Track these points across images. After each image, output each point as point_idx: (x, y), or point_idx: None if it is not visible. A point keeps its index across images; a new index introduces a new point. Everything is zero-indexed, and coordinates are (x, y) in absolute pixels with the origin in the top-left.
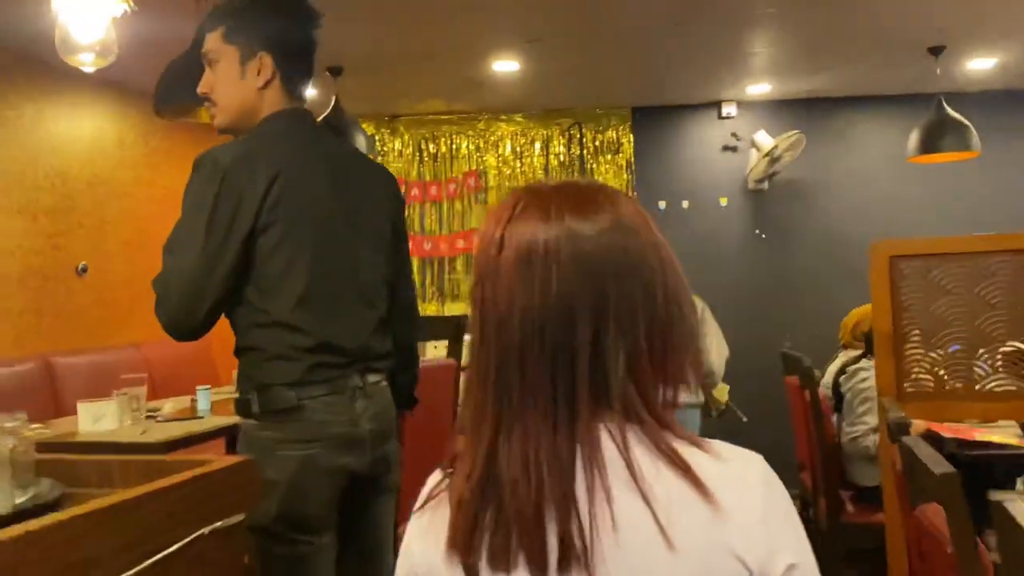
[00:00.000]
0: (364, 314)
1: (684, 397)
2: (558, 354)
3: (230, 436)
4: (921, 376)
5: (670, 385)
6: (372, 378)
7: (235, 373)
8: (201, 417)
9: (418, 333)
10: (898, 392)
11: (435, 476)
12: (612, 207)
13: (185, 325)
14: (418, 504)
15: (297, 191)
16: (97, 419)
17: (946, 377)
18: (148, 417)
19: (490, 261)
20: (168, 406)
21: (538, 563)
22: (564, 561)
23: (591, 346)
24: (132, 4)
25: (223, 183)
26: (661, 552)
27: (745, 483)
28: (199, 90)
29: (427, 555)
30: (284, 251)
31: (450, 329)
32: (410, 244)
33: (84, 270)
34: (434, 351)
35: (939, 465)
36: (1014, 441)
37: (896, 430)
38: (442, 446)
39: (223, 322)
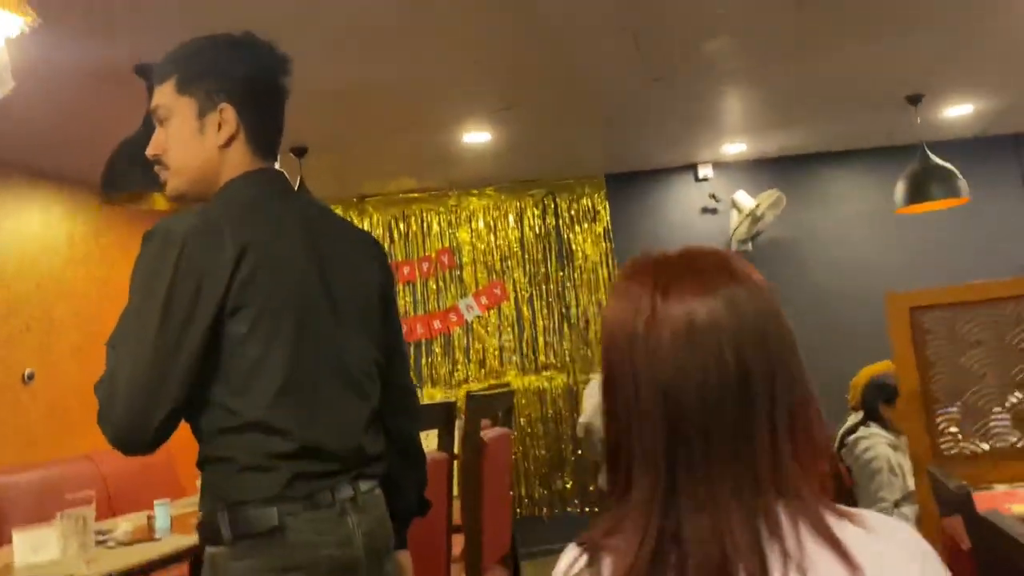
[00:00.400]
0: (355, 408)
1: None
2: (738, 426)
3: (195, 559)
4: (956, 437)
5: (818, 455)
6: (364, 485)
7: (200, 482)
8: (159, 538)
9: (418, 423)
10: (934, 456)
11: (571, 552)
12: (751, 272)
13: (136, 437)
14: None
15: (271, 266)
16: (36, 549)
17: (987, 437)
18: (99, 541)
19: (639, 336)
20: (122, 526)
21: None
22: None
23: (768, 415)
24: (33, 21)
25: (180, 258)
26: None
27: (896, 556)
28: (148, 152)
29: None
30: (258, 338)
31: (439, 417)
32: (404, 341)
33: (31, 377)
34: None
35: None
36: None
37: (958, 503)
38: (438, 551)
39: (185, 424)
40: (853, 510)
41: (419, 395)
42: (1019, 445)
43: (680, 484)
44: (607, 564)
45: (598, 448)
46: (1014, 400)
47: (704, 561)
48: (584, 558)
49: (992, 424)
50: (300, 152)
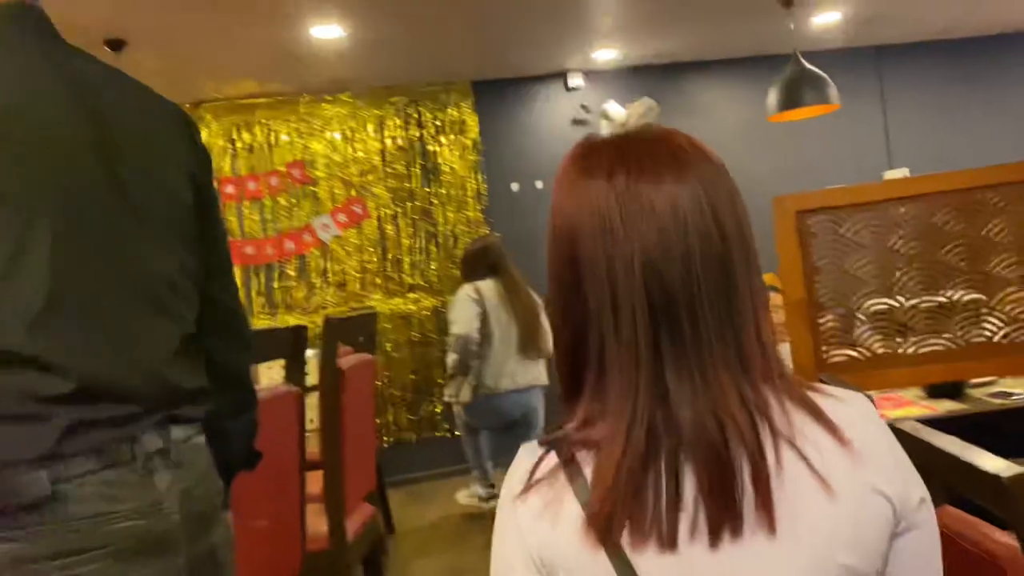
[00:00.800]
0: (158, 331)
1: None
2: (724, 305)
3: None
4: (841, 345)
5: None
6: (180, 432)
7: None
8: None
9: (247, 353)
10: (817, 365)
11: (531, 452)
12: (712, 150)
13: None
14: (520, 485)
15: (18, 133)
16: None
17: (869, 343)
18: None
19: (615, 220)
20: None
21: (719, 518)
22: (736, 517)
23: (750, 293)
24: None
25: None
26: (822, 500)
27: (866, 421)
28: None
29: (551, 540)
30: (4, 238)
31: (285, 345)
32: (230, 250)
33: None
34: (268, 373)
35: (984, 458)
36: (925, 410)
37: None
38: (290, 493)
39: None
40: (816, 384)
41: (272, 324)
42: (899, 351)
43: (667, 366)
44: (587, 457)
45: (470, 362)
46: (892, 304)
47: (701, 437)
48: (552, 455)
49: (868, 330)
50: (117, 45)
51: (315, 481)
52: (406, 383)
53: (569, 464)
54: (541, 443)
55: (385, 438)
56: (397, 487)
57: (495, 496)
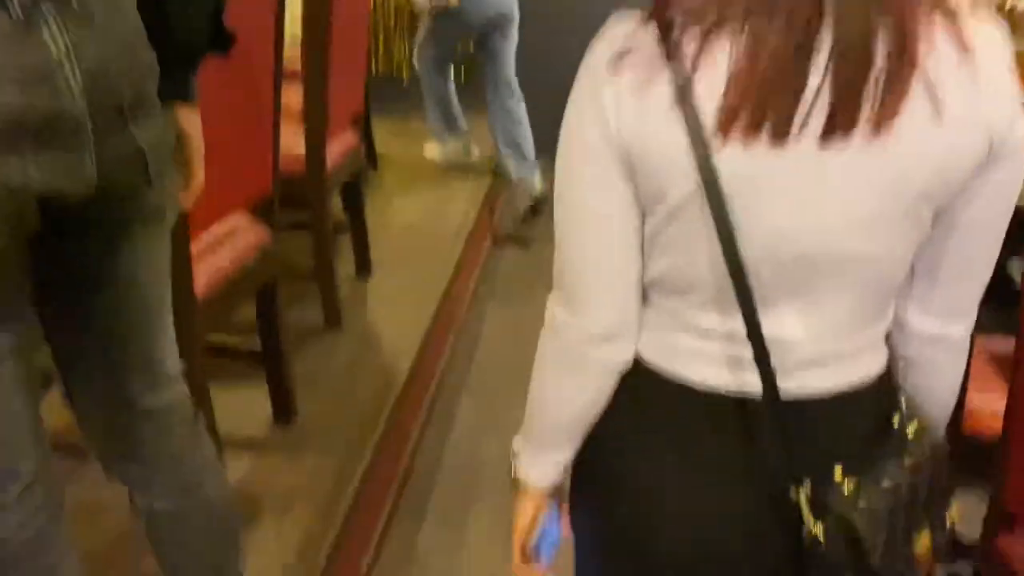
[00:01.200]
0: None
1: None
2: None
3: None
4: None
5: None
6: None
7: None
8: None
9: None
10: None
11: (626, 17)
12: None
13: None
14: (610, 53)
15: None
16: None
17: None
18: None
19: None
20: None
21: (838, 117)
22: (853, 121)
23: None
24: None
25: None
26: (930, 124)
27: (995, 53)
28: None
29: (635, 120)
30: None
31: None
32: None
33: None
34: None
35: None
36: None
37: None
38: (262, 105)
39: None
40: (959, 10)
41: None
42: None
43: None
44: (694, 34)
45: None
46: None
47: (854, 36)
48: (650, 29)
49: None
50: None
51: (291, 98)
52: (403, 11)
53: (673, 41)
54: (643, 11)
55: (373, 66)
56: (383, 121)
57: (470, 147)
